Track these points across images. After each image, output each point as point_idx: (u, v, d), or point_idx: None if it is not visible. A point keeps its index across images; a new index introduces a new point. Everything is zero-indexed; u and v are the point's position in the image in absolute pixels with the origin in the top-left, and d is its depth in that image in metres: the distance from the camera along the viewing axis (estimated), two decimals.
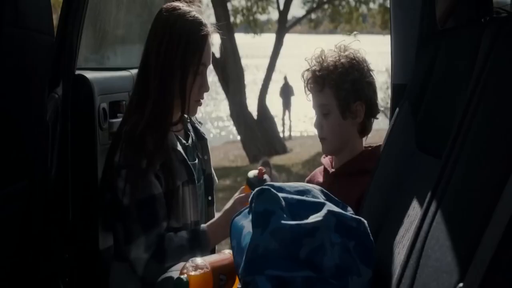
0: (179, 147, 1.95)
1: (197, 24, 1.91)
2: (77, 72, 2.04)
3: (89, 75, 2.06)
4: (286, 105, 19.21)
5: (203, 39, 1.92)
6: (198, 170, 2.04)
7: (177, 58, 1.88)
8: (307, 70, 2.01)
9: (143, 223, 1.85)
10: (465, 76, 1.36)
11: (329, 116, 1.99)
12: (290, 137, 19.04)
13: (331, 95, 1.97)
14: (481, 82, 1.26)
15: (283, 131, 18.83)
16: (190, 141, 2.03)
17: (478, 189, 1.12)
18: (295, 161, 14.57)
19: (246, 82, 15.97)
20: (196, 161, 2.05)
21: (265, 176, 1.92)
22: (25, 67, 1.58)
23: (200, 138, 2.13)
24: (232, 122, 16.58)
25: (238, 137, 16.39)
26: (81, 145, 2.04)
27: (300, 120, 19.75)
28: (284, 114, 19.33)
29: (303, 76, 2.03)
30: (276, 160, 14.03)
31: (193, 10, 1.93)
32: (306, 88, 2.02)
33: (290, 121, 19.58)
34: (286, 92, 19.12)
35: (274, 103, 18.41)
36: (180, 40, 1.88)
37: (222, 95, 18.17)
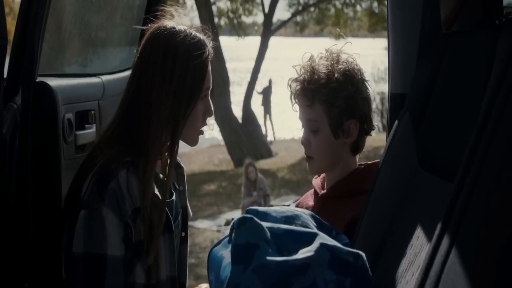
0: (156, 191, 1.71)
1: (200, 46, 1.72)
2: (39, 79, 1.83)
3: (52, 82, 1.85)
4: (267, 108, 19.17)
5: (207, 61, 1.74)
6: (175, 206, 1.83)
7: (184, 86, 1.69)
8: (295, 80, 1.81)
9: (85, 284, 1.62)
10: (478, 85, 1.20)
11: (319, 133, 1.79)
12: (273, 140, 18.96)
13: (321, 112, 1.76)
14: (500, 93, 1.08)
15: (266, 135, 18.74)
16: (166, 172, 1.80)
17: (503, 224, 0.93)
18: (281, 165, 14.47)
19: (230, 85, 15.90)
20: (174, 196, 1.83)
21: None
22: None
23: (176, 166, 1.91)
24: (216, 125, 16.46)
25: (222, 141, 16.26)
26: (44, 160, 1.83)
27: (283, 124, 19.62)
28: (265, 117, 19.26)
29: (289, 86, 1.82)
30: (261, 164, 13.91)
31: (189, 29, 1.73)
32: (292, 99, 1.82)
33: (272, 124, 19.51)
34: (267, 95, 19.08)
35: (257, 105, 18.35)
36: (186, 67, 1.69)
37: None
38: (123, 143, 1.70)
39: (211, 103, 1.80)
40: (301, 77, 1.78)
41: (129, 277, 1.66)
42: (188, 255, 1.94)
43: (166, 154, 1.76)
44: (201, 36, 1.74)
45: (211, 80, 1.77)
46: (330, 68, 1.75)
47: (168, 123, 1.69)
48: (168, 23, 1.75)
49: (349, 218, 1.69)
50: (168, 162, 1.74)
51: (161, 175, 1.75)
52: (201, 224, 9.82)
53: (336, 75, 1.73)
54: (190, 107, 1.71)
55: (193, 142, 1.80)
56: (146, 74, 1.70)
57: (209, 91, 1.78)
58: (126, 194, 1.63)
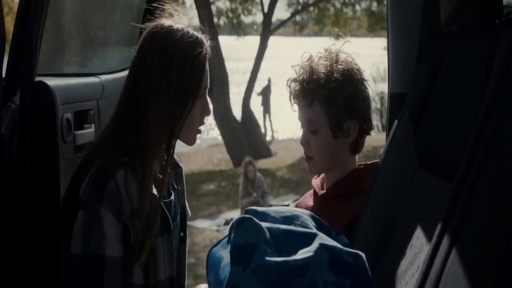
0: (155, 190, 1.70)
1: (198, 45, 1.70)
2: (37, 78, 1.82)
3: (51, 82, 1.85)
4: (266, 107, 19.16)
5: (205, 60, 1.72)
6: (174, 206, 1.82)
7: (181, 85, 1.67)
8: (294, 80, 1.80)
9: (84, 285, 1.62)
10: (478, 85, 1.19)
11: (318, 133, 1.78)
12: (272, 140, 18.97)
13: (321, 112, 1.76)
14: (500, 94, 1.07)
15: (265, 134, 18.74)
16: None
17: (504, 226, 0.93)
18: (280, 165, 14.45)
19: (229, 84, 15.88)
20: (172, 196, 1.82)
21: None
22: None
23: (175, 166, 1.90)
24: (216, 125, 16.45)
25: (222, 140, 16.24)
26: (42, 160, 1.82)
27: (282, 123, 19.62)
28: (264, 117, 19.26)
29: (289, 86, 1.81)
30: (261, 164, 13.88)
31: (186, 28, 1.72)
32: (291, 99, 1.82)
33: (271, 124, 19.52)
34: (266, 94, 19.08)
35: (256, 105, 18.33)
36: (184, 66, 1.67)
37: None
38: (120, 144, 1.69)
39: (208, 102, 1.78)
40: (300, 77, 1.77)
41: (127, 277, 1.65)
42: (187, 255, 1.93)
43: (164, 154, 1.74)
44: (198, 35, 1.73)
45: (209, 79, 1.75)
46: (329, 68, 1.74)
47: (166, 123, 1.68)
48: (166, 21, 1.73)
49: (349, 217, 1.68)
50: (165, 161, 1.72)
51: (159, 175, 1.74)
52: (200, 223, 9.80)
53: (335, 75, 1.73)
54: (188, 107, 1.69)
55: (191, 141, 1.79)
56: (144, 74, 1.69)
57: (207, 90, 1.76)
58: (124, 194, 1.63)
